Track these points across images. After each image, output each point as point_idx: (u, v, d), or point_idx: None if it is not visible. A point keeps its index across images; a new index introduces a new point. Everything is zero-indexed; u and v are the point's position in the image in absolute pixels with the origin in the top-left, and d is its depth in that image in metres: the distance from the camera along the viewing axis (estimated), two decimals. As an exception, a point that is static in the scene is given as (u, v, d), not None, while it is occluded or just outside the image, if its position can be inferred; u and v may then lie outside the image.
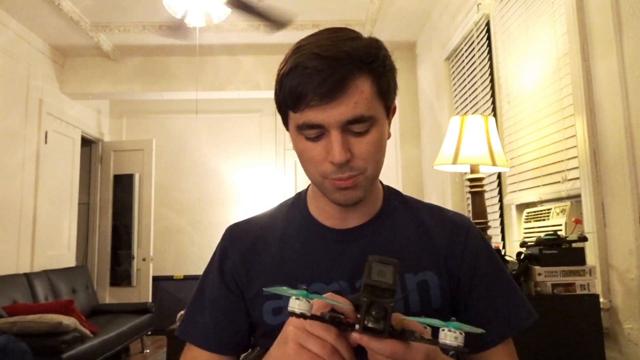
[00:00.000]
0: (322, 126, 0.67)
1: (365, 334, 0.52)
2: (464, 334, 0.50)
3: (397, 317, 0.55)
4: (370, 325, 0.51)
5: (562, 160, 1.92)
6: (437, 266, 0.76)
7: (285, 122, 0.75)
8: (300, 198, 0.85)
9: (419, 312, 0.73)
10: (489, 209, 2.38)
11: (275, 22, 3.19)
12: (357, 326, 0.52)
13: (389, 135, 0.76)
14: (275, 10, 3.09)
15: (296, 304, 0.52)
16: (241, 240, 0.82)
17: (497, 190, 2.64)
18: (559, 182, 1.95)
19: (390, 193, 0.84)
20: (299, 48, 0.69)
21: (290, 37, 4.00)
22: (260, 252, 0.80)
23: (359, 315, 0.52)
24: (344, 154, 0.67)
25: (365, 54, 0.68)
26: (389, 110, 0.75)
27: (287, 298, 0.53)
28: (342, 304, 0.55)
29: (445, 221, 0.81)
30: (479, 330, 0.51)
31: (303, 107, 0.67)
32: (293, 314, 0.52)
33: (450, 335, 0.50)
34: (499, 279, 0.79)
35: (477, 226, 2.03)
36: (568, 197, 1.91)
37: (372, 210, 0.80)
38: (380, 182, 0.84)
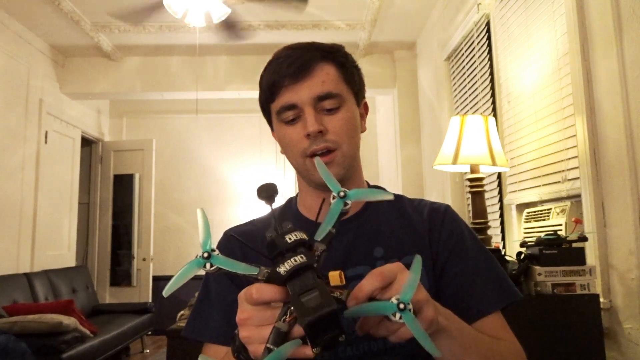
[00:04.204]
0: (296, 106, 0.76)
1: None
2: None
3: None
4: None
5: (562, 160, 1.92)
6: (421, 252, 0.75)
7: (271, 124, 0.84)
8: (291, 201, 0.91)
9: None
10: (489, 209, 2.38)
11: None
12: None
13: (364, 129, 0.85)
14: None
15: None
16: (240, 241, 0.82)
17: (497, 190, 2.64)
18: (559, 182, 1.95)
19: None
20: (276, 52, 0.82)
21: (290, 37, 4.01)
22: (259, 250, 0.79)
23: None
24: (317, 124, 0.75)
25: (328, 47, 0.81)
26: (359, 100, 0.83)
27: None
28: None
29: (424, 209, 0.85)
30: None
31: (279, 91, 0.77)
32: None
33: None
34: (476, 257, 0.80)
35: (477, 226, 2.02)
36: (568, 197, 1.91)
37: (356, 206, 0.83)
38: (367, 182, 0.89)
